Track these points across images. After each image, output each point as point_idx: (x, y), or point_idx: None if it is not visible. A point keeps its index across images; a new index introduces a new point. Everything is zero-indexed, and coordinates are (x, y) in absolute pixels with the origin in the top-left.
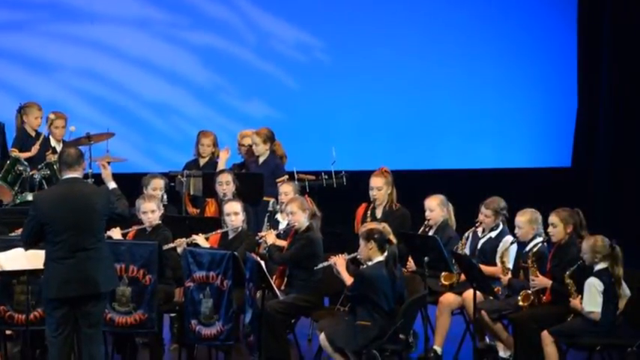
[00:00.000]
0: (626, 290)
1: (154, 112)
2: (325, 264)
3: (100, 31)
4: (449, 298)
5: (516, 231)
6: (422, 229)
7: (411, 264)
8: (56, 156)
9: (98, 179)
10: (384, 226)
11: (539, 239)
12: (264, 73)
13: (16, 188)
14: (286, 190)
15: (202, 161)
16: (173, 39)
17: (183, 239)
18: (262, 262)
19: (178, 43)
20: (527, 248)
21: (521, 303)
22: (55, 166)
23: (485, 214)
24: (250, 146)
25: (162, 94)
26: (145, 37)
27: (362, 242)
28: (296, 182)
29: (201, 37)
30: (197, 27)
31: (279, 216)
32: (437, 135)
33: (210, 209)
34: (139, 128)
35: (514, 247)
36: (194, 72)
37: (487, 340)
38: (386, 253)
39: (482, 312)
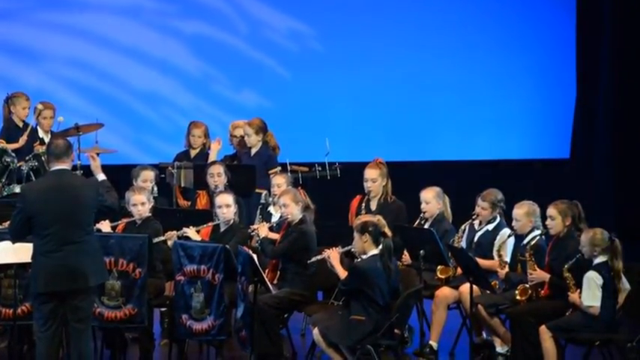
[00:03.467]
0: (625, 284)
1: (144, 103)
2: (319, 257)
3: (90, 19)
4: (445, 292)
5: (514, 224)
6: (417, 221)
7: (406, 257)
8: (44, 147)
9: (87, 171)
10: (379, 219)
11: (537, 232)
12: (256, 62)
13: (3, 180)
14: (279, 181)
15: (193, 152)
16: (163, 28)
17: (174, 232)
18: (254, 256)
19: (169, 32)
20: (525, 241)
21: (518, 297)
22: (42, 158)
23: (481, 207)
24: (242, 137)
25: (153, 84)
26: (135, 26)
27: (356, 235)
28: (289, 174)
29: (192, 26)
30: (188, 16)
31: (271, 208)
32: (433, 126)
33: (202, 201)
34: (129, 119)
35: (511, 240)
36: (185, 61)
37: (484, 335)
38: (381, 247)
39: (479, 306)
